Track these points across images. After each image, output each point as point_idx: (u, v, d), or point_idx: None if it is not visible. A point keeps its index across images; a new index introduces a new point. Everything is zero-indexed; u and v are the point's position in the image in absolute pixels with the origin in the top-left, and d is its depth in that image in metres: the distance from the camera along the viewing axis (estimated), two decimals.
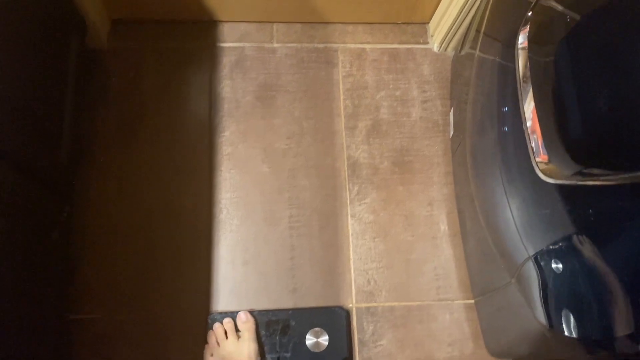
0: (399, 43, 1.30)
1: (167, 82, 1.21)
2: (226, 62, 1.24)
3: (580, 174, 0.61)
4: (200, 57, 1.24)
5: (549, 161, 0.63)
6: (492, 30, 0.98)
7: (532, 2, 0.77)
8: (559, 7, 0.68)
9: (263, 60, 1.25)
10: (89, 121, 1.16)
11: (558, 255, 0.79)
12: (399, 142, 1.22)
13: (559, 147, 0.63)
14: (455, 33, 1.22)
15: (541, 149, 0.64)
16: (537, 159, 0.65)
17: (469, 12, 1.14)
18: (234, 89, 1.22)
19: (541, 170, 0.64)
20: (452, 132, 1.18)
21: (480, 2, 1.09)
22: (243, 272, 1.10)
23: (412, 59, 1.29)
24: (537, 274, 0.83)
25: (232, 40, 1.26)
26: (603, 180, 0.58)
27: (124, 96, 1.19)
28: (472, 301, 1.13)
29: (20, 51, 0.82)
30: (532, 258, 0.84)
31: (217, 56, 1.24)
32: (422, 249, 1.15)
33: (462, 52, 1.22)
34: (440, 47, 1.28)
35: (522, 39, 0.67)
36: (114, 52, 1.22)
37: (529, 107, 0.66)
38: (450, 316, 1.12)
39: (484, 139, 0.97)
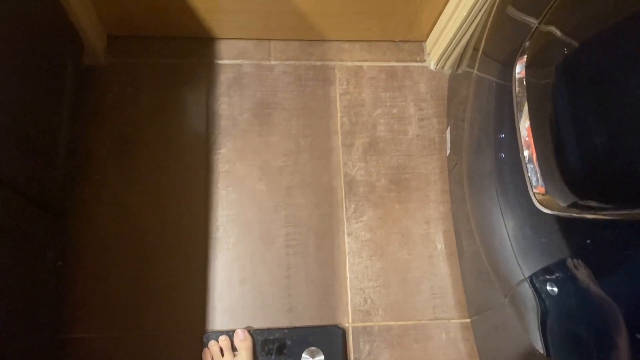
0: (396, 61, 1.30)
1: (163, 99, 1.21)
2: (223, 79, 1.24)
3: (577, 206, 0.61)
4: (197, 74, 1.24)
5: (546, 192, 0.63)
6: (491, 50, 0.98)
7: (531, 27, 0.77)
8: (558, 33, 0.69)
9: (260, 78, 1.25)
10: (84, 138, 1.15)
11: (555, 279, 0.79)
12: (396, 160, 1.23)
13: (556, 178, 0.63)
14: (452, 51, 1.22)
15: (538, 180, 0.64)
16: (534, 190, 0.65)
17: (466, 30, 1.14)
18: (231, 106, 1.22)
19: (538, 201, 0.65)
20: (448, 151, 1.18)
21: (479, 21, 1.10)
22: (239, 291, 1.10)
23: (409, 77, 1.29)
24: (533, 296, 0.83)
25: (229, 57, 1.26)
26: (600, 215, 0.58)
27: (120, 113, 1.19)
28: (468, 320, 1.13)
29: (14, 69, 0.82)
30: (528, 279, 0.84)
31: (214, 73, 1.24)
32: (419, 268, 1.15)
33: (459, 70, 1.23)
34: (437, 65, 1.29)
35: (519, 69, 0.67)
36: (110, 68, 1.22)
37: (525, 137, 0.67)
38: (447, 335, 1.11)
39: (481, 159, 0.97)
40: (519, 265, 0.86)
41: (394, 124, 1.25)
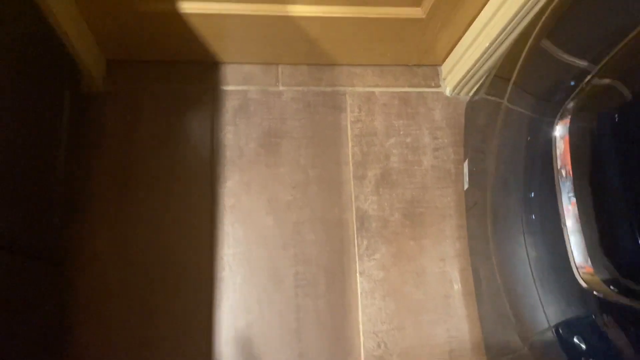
0: (410, 86, 1.24)
1: (165, 127, 1.14)
2: (229, 107, 1.17)
3: (628, 291, 0.55)
4: (201, 101, 1.17)
5: (594, 273, 0.57)
6: (525, 83, 0.91)
7: (570, 65, 0.71)
8: (605, 95, 0.62)
9: (268, 105, 1.19)
10: (83, 170, 1.09)
11: (583, 334, 0.74)
12: (410, 193, 1.17)
13: (604, 255, 0.58)
14: (471, 78, 1.16)
15: (584, 257, 0.58)
16: (579, 267, 0.59)
17: (488, 59, 1.08)
18: (237, 135, 1.16)
19: (583, 279, 0.59)
20: (466, 185, 1.12)
21: (504, 50, 1.04)
22: (246, 335, 1.04)
23: (423, 104, 1.23)
24: (557, 347, 0.78)
25: (235, 83, 1.19)
26: None
27: (119, 143, 1.12)
28: None
29: (6, 109, 0.75)
30: (553, 329, 0.79)
31: (219, 100, 1.18)
32: (435, 309, 1.10)
33: (477, 97, 1.17)
34: (454, 91, 1.23)
35: (562, 131, 0.61)
36: (109, 95, 1.15)
37: (568, 205, 0.61)
38: None
39: (507, 197, 0.91)
40: (545, 313, 0.81)
41: (408, 154, 1.19)
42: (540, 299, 0.82)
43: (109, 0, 0.95)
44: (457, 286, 1.12)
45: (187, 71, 1.19)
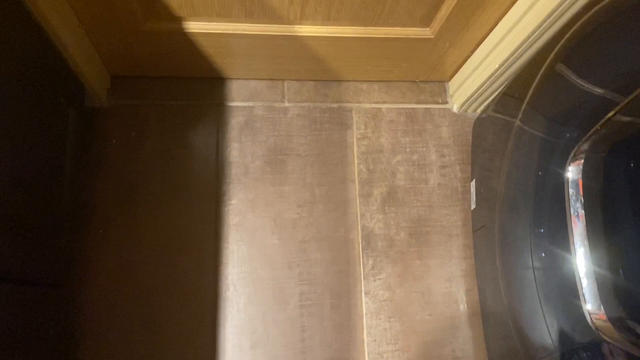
0: (417, 102, 1.23)
1: (170, 144, 1.14)
2: (234, 123, 1.16)
3: None
4: (206, 117, 1.16)
5: (608, 320, 0.56)
6: (539, 105, 0.89)
7: (594, 104, 0.69)
8: (622, 135, 0.61)
9: (273, 121, 1.17)
10: (87, 188, 1.08)
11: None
12: (416, 211, 1.16)
13: (617, 303, 0.57)
14: (479, 96, 1.15)
15: (597, 304, 0.57)
16: (591, 311, 0.58)
17: (498, 79, 1.07)
18: (242, 152, 1.15)
19: (595, 325, 0.58)
20: (473, 206, 1.11)
21: (515, 70, 1.02)
22: (251, 356, 1.04)
23: (430, 120, 1.22)
24: None
25: (240, 99, 1.18)
26: None
27: (124, 160, 1.11)
28: None
29: (13, 127, 0.74)
30: (559, 354, 0.79)
31: (224, 116, 1.17)
32: (440, 330, 1.09)
33: (484, 115, 1.16)
34: (461, 108, 1.21)
35: (575, 173, 0.60)
36: (113, 110, 1.14)
37: (581, 249, 0.60)
38: None
39: (516, 227, 0.90)
40: (551, 338, 0.80)
41: (414, 171, 1.18)
42: (547, 325, 0.81)
43: (113, 20, 0.94)
44: (462, 307, 1.11)
45: (192, 87, 1.17)
